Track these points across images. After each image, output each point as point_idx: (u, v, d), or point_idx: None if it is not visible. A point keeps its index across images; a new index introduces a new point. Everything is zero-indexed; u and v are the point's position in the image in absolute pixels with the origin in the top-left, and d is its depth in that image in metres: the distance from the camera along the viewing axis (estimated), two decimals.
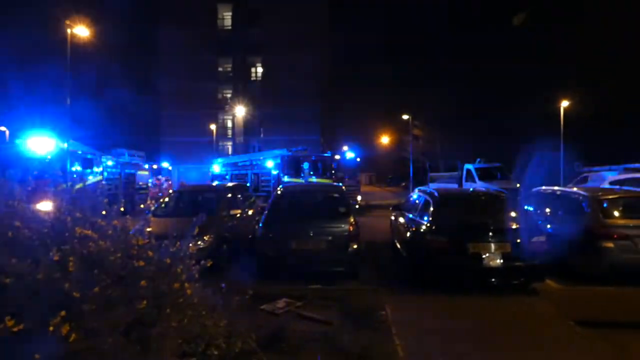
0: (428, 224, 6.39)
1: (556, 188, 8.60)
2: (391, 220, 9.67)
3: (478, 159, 19.93)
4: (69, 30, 16.53)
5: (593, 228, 6.47)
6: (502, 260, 5.75)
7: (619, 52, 29.77)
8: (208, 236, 7.14)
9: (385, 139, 45.11)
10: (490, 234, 5.87)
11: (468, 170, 19.22)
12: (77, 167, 14.27)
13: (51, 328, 1.97)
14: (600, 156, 18.00)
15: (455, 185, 19.97)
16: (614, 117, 28.35)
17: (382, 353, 4.05)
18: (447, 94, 34.05)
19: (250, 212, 10.02)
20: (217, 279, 3.82)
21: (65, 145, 13.63)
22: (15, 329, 1.95)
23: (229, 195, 9.21)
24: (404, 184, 36.49)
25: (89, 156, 15.27)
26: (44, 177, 3.30)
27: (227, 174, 20.36)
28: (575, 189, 7.99)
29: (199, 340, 3.14)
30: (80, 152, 14.78)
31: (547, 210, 7.85)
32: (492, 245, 5.81)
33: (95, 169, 15.62)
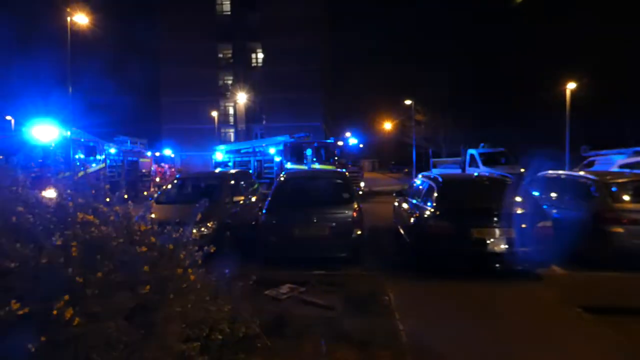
0: (432, 209, 6.36)
1: (562, 172, 8.51)
2: (394, 206, 9.65)
3: (482, 144, 19.79)
4: (68, 19, 16.37)
5: (601, 213, 6.40)
6: (506, 246, 5.72)
7: (625, 35, 29.21)
8: (211, 223, 7.15)
9: (387, 125, 44.83)
10: (495, 219, 5.82)
11: (472, 156, 19.10)
12: (80, 155, 14.28)
13: (55, 312, 1.98)
14: (607, 140, 17.83)
15: (459, 171, 19.89)
16: (621, 100, 27.99)
17: (385, 338, 4.05)
18: (450, 79, 33.69)
19: (253, 199, 10.03)
20: (220, 265, 3.83)
21: (68, 133, 13.61)
22: (20, 312, 1.96)
23: (232, 182, 9.20)
24: (406, 169, 36.39)
25: (91, 144, 15.26)
26: (47, 164, 3.28)
27: (229, 161, 20.35)
28: (582, 173, 7.90)
29: (203, 325, 3.16)
30: (82, 140, 14.76)
31: (553, 195, 7.79)
32: (497, 231, 5.78)
33: (98, 157, 15.63)
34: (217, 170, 17.38)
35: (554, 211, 7.06)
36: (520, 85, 31.41)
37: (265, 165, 18.04)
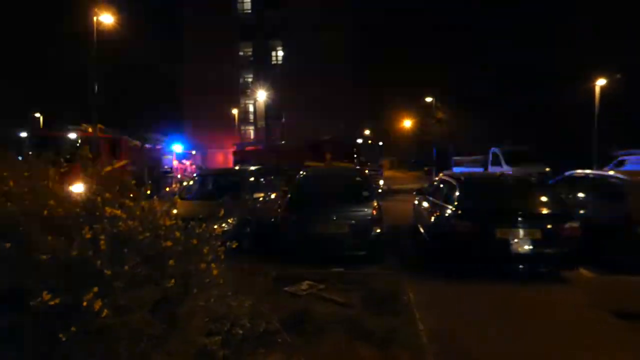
0: (453, 209, 6.26)
1: (590, 172, 8.23)
2: (414, 204, 9.55)
3: (505, 142, 19.34)
4: (95, 18, 16.81)
5: (633, 214, 6.17)
6: (531, 247, 5.57)
7: None
8: (232, 219, 7.24)
9: (407, 123, 44.33)
10: (519, 219, 5.67)
11: (494, 154, 18.65)
12: (105, 151, 14.67)
13: (85, 303, 2.04)
14: (638, 138, 17.13)
15: (481, 169, 19.49)
16: None
17: (405, 337, 4.00)
18: (472, 76, 33.01)
19: (272, 196, 10.09)
20: (240, 261, 3.86)
21: (95, 129, 14.03)
22: (51, 303, 2.03)
23: (252, 178, 9.29)
24: (426, 168, 35.89)
25: (116, 140, 15.67)
26: (75, 160, 3.38)
27: (249, 158, 20.52)
28: (612, 173, 7.62)
29: (224, 319, 3.22)
30: (108, 137, 15.17)
31: (581, 195, 7.55)
32: (521, 231, 5.63)
33: (122, 153, 16.03)
34: (237, 167, 17.58)
35: (582, 212, 6.83)
36: (546, 81, 30.48)
37: (284, 162, 18.12)
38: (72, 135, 14.03)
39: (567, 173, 8.55)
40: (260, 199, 8.99)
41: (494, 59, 34.63)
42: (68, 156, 4.20)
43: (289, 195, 7.31)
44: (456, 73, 34.10)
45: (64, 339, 2.02)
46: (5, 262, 2.19)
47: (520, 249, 5.59)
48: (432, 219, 7.06)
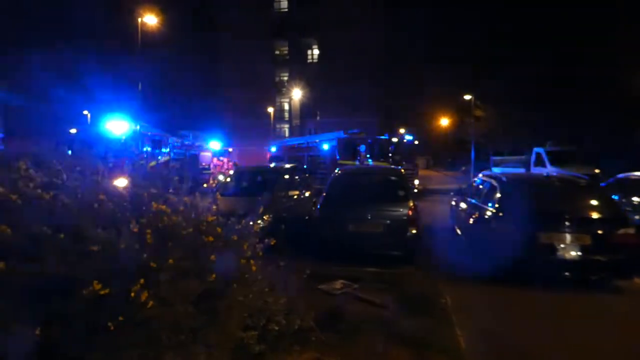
0: (494, 210, 6.02)
1: None
2: (451, 205, 9.30)
3: (549, 142, 18.40)
4: (139, 20, 17.57)
5: None
6: (580, 253, 5.25)
7: None
8: (267, 216, 7.32)
9: (444, 121, 43.21)
10: (567, 223, 5.36)
11: (538, 154, 17.78)
12: (147, 148, 15.30)
13: (132, 294, 2.13)
14: None
15: (523, 170, 18.68)
16: None
17: (443, 343, 3.89)
18: (513, 73, 31.61)
19: (307, 194, 10.14)
20: (275, 258, 3.90)
21: (137, 127, 14.65)
22: (101, 292, 2.12)
23: (287, 176, 9.37)
24: (464, 168, 34.84)
25: (157, 138, 16.30)
26: (121, 156, 3.53)
27: (284, 156, 20.75)
28: None
29: (261, 315, 3.25)
30: (150, 134, 15.82)
31: (636, 199, 7.06)
32: (568, 236, 5.32)
33: (163, 150, 16.66)
34: (272, 164, 17.81)
35: (637, 217, 6.38)
36: (594, 79, 28.69)
37: (319, 160, 18.17)
38: (118, 132, 14.70)
39: (620, 175, 8.03)
40: (295, 196, 9.05)
41: (539, 56, 33.04)
42: (114, 152, 4.39)
43: (324, 194, 7.30)
44: (497, 71, 32.77)
45: (112, 328, 2.11)
46: (60, 252, 2.31)
47: (567, 255, 5.29)
48: (471, 220, 6.84)
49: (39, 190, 2.53)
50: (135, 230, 2.38)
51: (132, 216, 2.52)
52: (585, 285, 5.45)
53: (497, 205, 6.05)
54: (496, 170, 20.11)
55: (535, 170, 16.91)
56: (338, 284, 5.40)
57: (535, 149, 18.20)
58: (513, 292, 5.41)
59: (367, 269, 6.12)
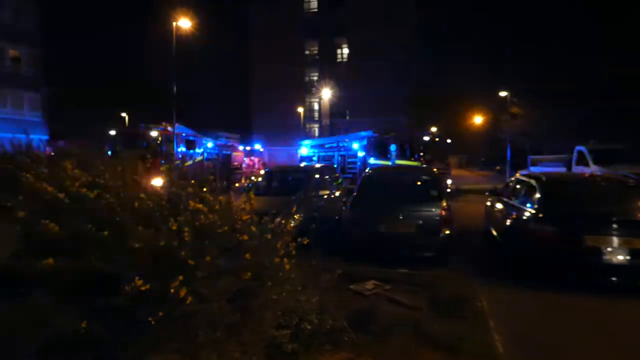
0: (533, 212, 5.77)
1: None
2: (486, 205, 9.00)
3: (591, 140, 17.43)
4: (174, 23, 18.12)
5: None
6: (629, 257, 4.95)
7: None
8: (298, 215, 7.37)
9: (477, 119, 41.92)
10: (614, 225, 5.06)
11: (580, 152, 16.86)
12: (182, 148, 15.79)
13: (172, 290, 2.19)
14: None
15: (563, 169, 17.82)
16: None
17: (478, 346, 3.78)
18: (553, 69, 30.24)
19: (337, 193, 10.13)
20: (306, 257, 3.90)
21: (173, 128, 15.15)
22: (142, 288, 2.20)
23: (317, 176, 9.40)
24: (498, 167, 33.67)
25: (191, 138, 16.80)
26: (158, 156, 3.65)
27: (314, 156, 20.82)
28: None
29: (294, 314, 3.27)
30: (184, 135, 16.31)
31: None
32: (616, 239, 5.02)
33: (197, 150, 17.14)
34: (303, 164, 17.92)
35: None
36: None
37: (349, 160, 18.12)
38: (154, 133, 15.27)
39: None
40: (325, 196, 9.06)
41: (581, 49, 31.43)
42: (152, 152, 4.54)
43: (354, 193, 7.26)
44: (534, 66, 31.46)
45: (153, 323, 2.18)
46: (103, 249, 2.42)
47: (614, 259, 4.99)
48: (508, 222, 6.59)
49: (84, 190, 2.65)
50: (174, 228, 2.45)
51: (171, 215, 2.60)
52: (633, 291, 5.12)
53: (536, 206, 5.80)
54: (534, 169, 19.31)
55: (577, 170, 16.09)
56: (369, 284, 5.35)
57: (577, 147, 17.28)
58: (554, 297, 5.16)
59: (399, 270, 6.02)
